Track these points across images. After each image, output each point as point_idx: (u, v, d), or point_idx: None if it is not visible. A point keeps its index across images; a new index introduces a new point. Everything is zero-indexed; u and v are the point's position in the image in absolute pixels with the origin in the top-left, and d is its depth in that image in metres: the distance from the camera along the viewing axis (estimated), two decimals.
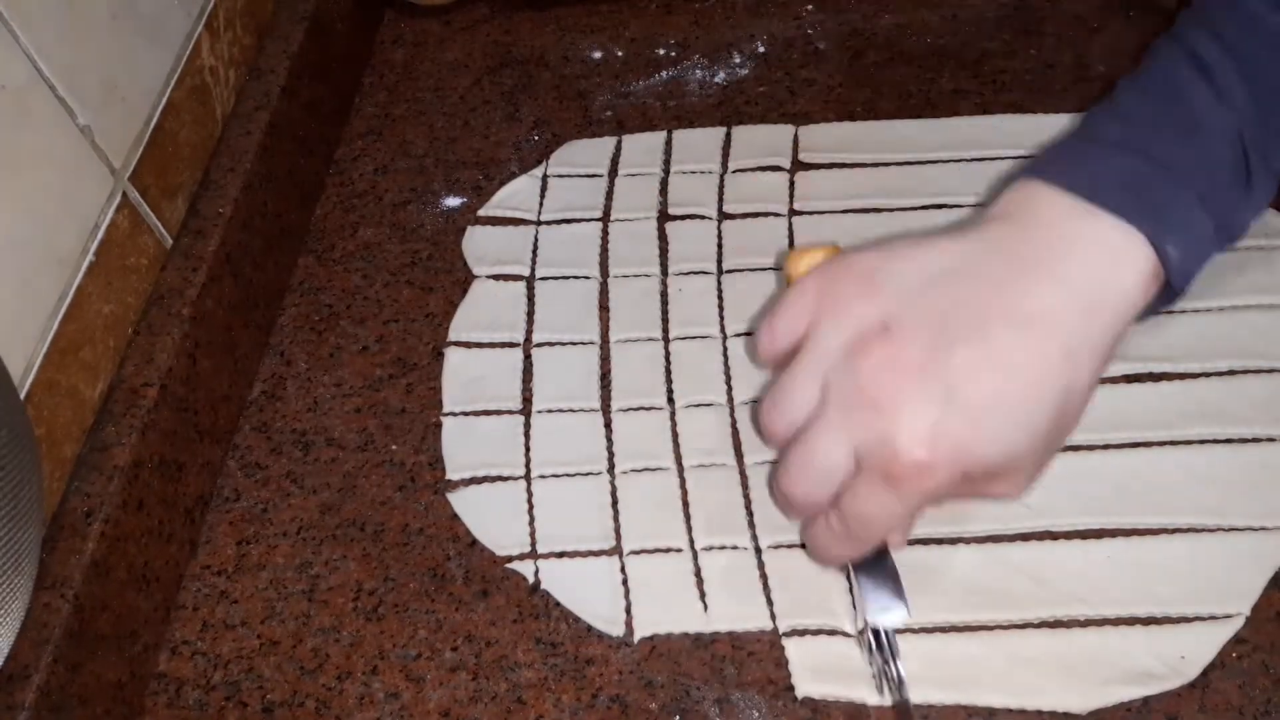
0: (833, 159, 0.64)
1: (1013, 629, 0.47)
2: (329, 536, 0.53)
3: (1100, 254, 0.38)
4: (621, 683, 0.47)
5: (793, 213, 0.63)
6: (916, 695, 0.45)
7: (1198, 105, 0.40)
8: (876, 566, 0.44)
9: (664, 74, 0.71)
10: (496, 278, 0.62)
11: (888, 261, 0.40)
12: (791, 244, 0.61)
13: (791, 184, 0.64)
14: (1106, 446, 0.52)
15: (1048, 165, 0.40)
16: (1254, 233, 0.58)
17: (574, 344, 0.59)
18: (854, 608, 0.48)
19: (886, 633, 0.43)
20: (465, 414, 0.57)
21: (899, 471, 0.37)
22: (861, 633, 0.46)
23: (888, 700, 0.45)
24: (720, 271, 0.61)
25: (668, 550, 0.51)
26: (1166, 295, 0.39)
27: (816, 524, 0.41)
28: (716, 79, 0.70)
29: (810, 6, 0.73)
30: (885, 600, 0.43)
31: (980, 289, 0.38)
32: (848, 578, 0.47)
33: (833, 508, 0.40)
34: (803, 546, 0.49)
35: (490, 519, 0.53)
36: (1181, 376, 0.53)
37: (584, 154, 0.67)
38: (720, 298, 0.59)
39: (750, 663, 0.47)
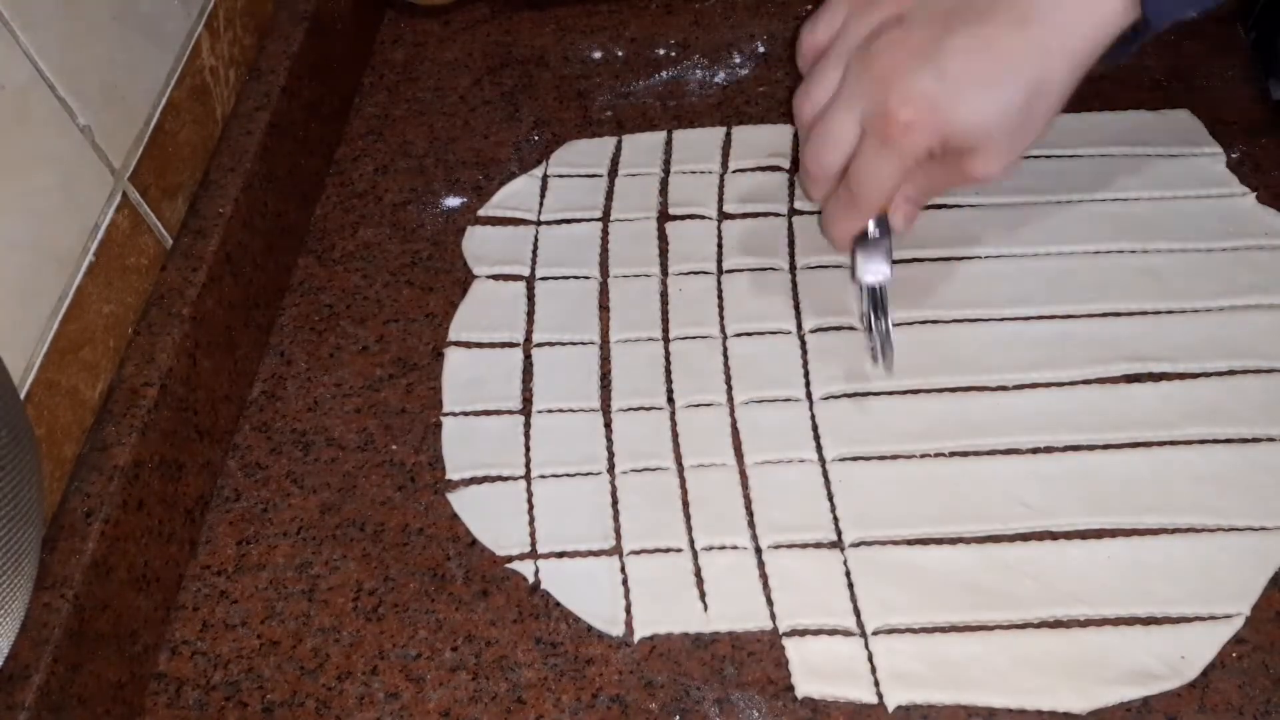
0: None
1: (1013, 629, 0.47)
2: (329, 536, 0.53)
3: None
4: (621, 683, 0.47)
5: (793, 212, 0.63)
6: (917, 695, 0.45)
7: None
8: (876, 243, 0.51)
9: (664, 74, 0.71)
10: (496, 278, 0.62)
11: None
12: (791, 243, 0.61)
13: (791, 184, 0.64)
14: (1106, 446, 0.52)
15: None
16: (1254, 232, 0.58)
17: (574, 344, 0.59)
18: (855, 280, 0.53)
19: (878, 292, 0.51)
20: (465, 414, 0.57)
21: (890, 130, 0.45)
22: (864, 318, 0.53)
23: (882, 369, 0.53)
24: (720, 271, 0.61)
25: (668, 550, 0.51)
26: (1145, 28, 0.44)
27: (830, 200, 0.50)
28: (716, 79, 0.70)
29: (810, 6, 0.73)
30: (876, 264, 0.51)
31: None
32: (853, 256, 0.53)
33: (842, 181, 0.48)
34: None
35: (490, 519, 0.53)
36: (1181, 376, 0.53)
37: (584, 154, 0.67)
38: (720, 298, 0.59)
39: (750, 663, 0.47)
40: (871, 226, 0.51)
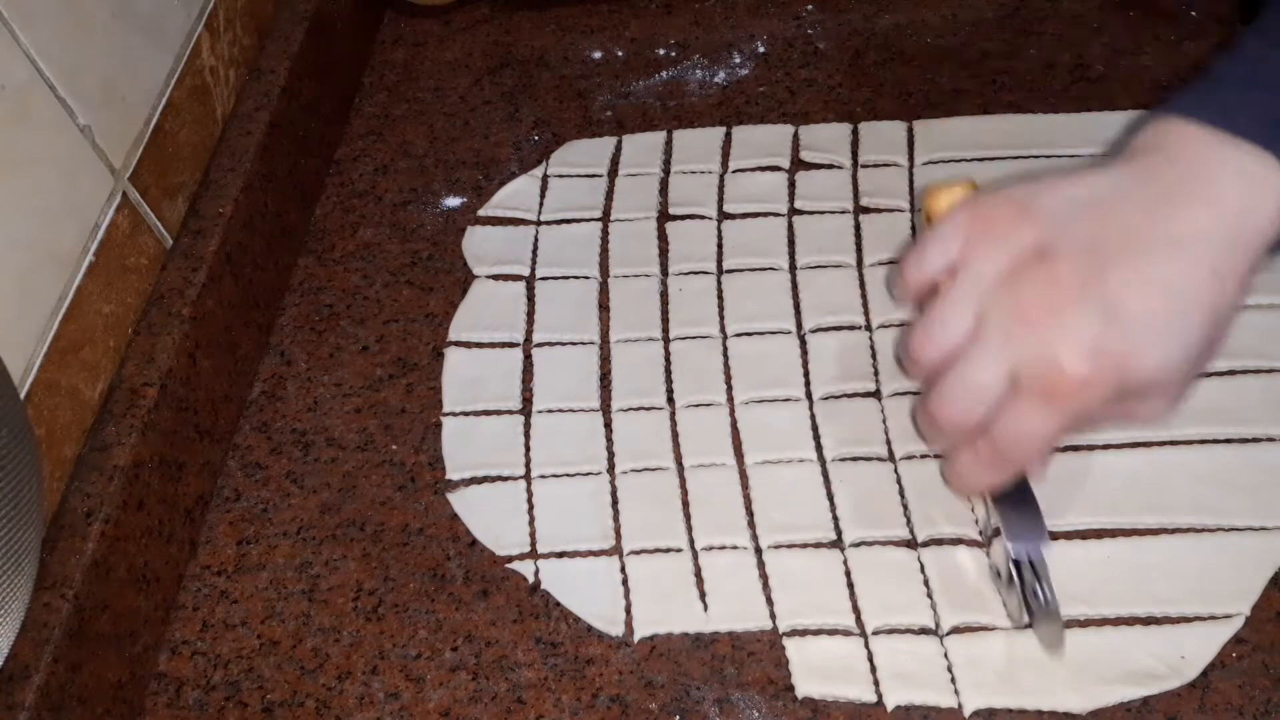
0: (832, 159, 0.64)
1: (1013, 629, 0.47)
2: (329, 536, 0.53)
3: (1240, 180, 0.39)
4: (621, 683, 0.47)
5: (793, 212, 0.63)
6: (917, 696, 0.45)
7: None
8: (1016, 495, 0.45)
9: (664, 74, 0.71)
10: (496, 278, 0.62)
11: (1039, 192, 0.42)
12: (791, 243, 0.61)
13: (791, 184, 0.64)
14: (1107, 446, 0.51)
15: (1183, 104, 0.42)
16: None
17: (574, 344, 0.59)
18: (985, 537, 0.48)
19: (1031, 558, 0.44)
20: (465, 414, 0.57)
21: (1061, 386, 0.39)
22: (995, 567, 0.47)
23: (1025, 622, 0.46)
24: (720, 271, 0.61)
25: (668, 550, 0.51)
26: None
27: (963, 451, 0.43)
28: (716, 79, 0.70)
29: (810, 6, 0.73)
30: (1029, 527, 0.45)
31: (1130, 214, 0.40)
32: (984, 507, 0.48)
33: (981, 433, 0.42)
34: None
35: (490, 519, 0.53)
36: None
37: (584, 154, 0.67)
38: (720, 298, 0.59)
39: (750, 663, 0.47)
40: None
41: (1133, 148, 0.42)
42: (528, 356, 0.59)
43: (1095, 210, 0.40)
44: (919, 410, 0.46)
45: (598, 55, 0.73)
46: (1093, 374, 0.38)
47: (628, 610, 0.49)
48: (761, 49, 0.72)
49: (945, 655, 0.46)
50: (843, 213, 0.62)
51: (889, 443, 0.53)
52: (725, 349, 0.57)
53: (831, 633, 0.48)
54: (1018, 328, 0.40)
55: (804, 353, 0.57)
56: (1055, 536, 0.49)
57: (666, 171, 0.66)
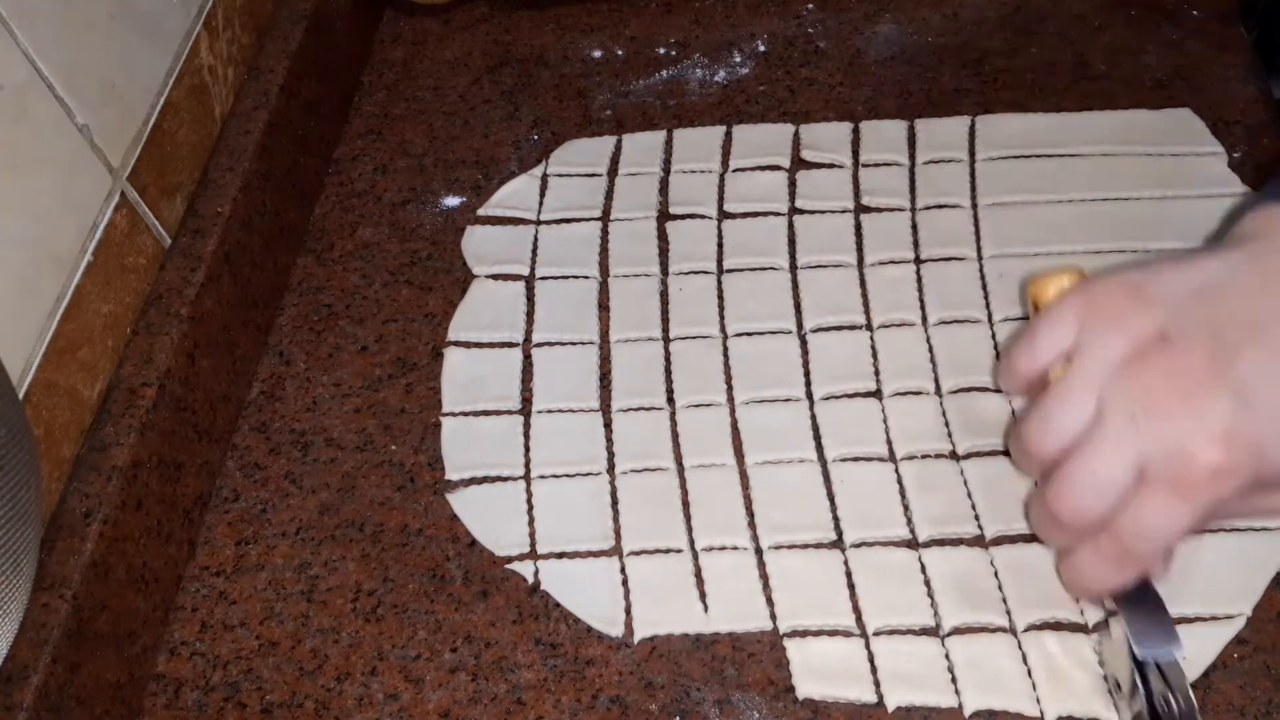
0: (833, 159, 0.64)
1: (1013, 629, 0.47)
2: (328, 537, 0.53)
3: None
4: (621, 683, 0.47)
5: (793, 212, 0.62)
6: (917, 696, 0.45)
7: None
8: (1140, 595, 0.42)
9: (664, 73, 0.71)
10: (496, 277, 0.62)
11: (1152, 277, 0.41)
12: (792, 243, 0.61)
13: (792, 184, 0.64)
14: None
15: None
16: None
17: (574, 344, 0.59)
18: (1091, 632, 0.46)
19: (1161, 664, 0.41)
20: (465, 414, 0.56)
21: (1194, 477, 0.37)
22: (1113, 676, 0.44)
23: None
24: (720, 271, 0.61)
25: (668, 550, 0.51)
26: None
27: (1083, 549, 0.41)
28: (716, 78, 0.70)
29: (810, 6, 0.73)
30: (1158, 630, 0.41)
31: (1251, 297, 0.39)
32: (1107, 612, 0.45)
33: (1103, 529, 0.40)
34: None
35: (490, 519, 0.53)
36: None
37: (584, 153, 0.67)
38: (720, 298, 0.59)
39: (750, 663, 0.47)
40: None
41: (1235, 235, 0.42)
42: (527, 356, 0.58)
43: (1214, 293, 0.39)
44: (1034, 505, 0.44)
45: (597, 54, 0.73)
46: (1228, 462, 0.37)
47: (628, 611, 0.49)
48: (762, 48, 0.71)
49: (946, 656, 0.46)
50: (843, 212, 0.62)
51: (889, 443, 0.53)
52: (725, 349, 0.57)
53: (832, 633, 0.48)
54: (1145, 415, 0.38)
55: (804, 353, 0.56)
56: None
57: (666, 171, 0.66)
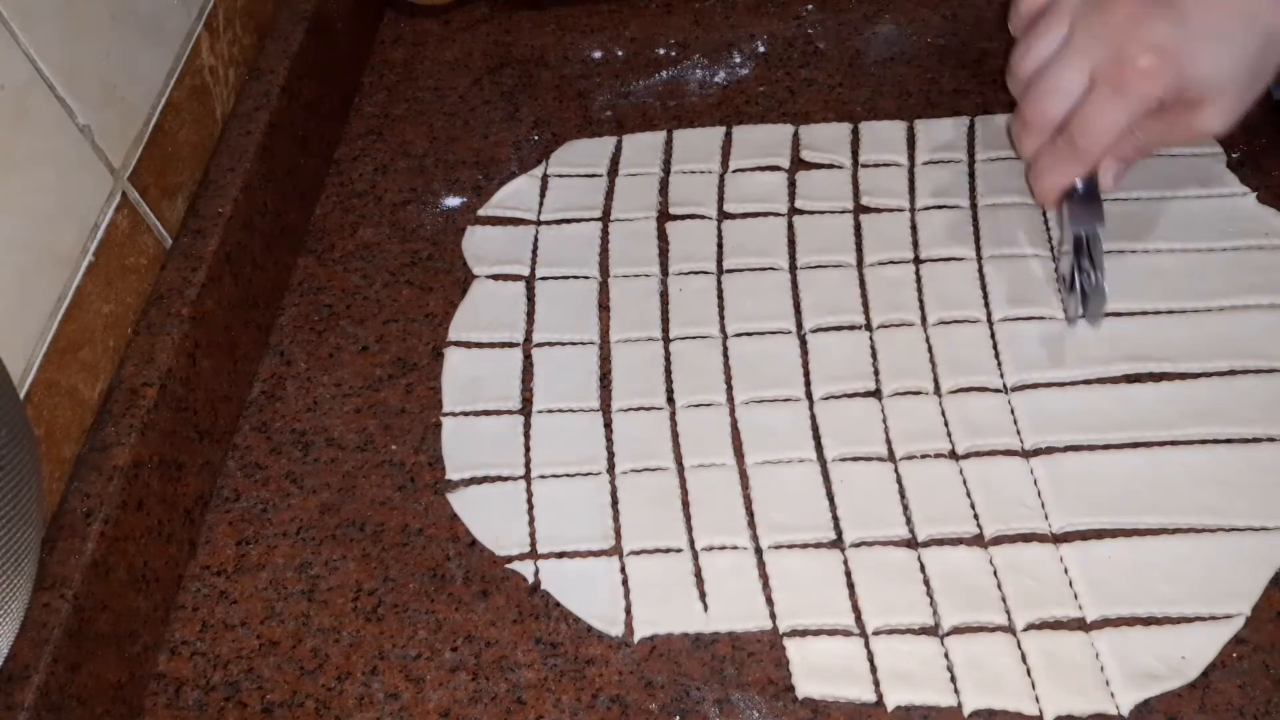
0: (832, 159, 0.64)
1: (1013, 629, 0.47)
2: (328, 537, 0.53)
3: None
4: (621, 683, 0.47)
5: (793, 212, 0.63)
6: (917, 696, 0.45)
7: None
8: (1084, 196, 0.52)
9: (664, 74, 0.71)
10: (496, 278, 0.62)
11: None
12: (792, 243, 0.61)
13: (791, 184, 0.64)
14: (1107, 447, 0.51)
15: None
16: (1254, 232, 0.58)
17: (574, 344, 0.59)
18: (1056, 254, 0.56)
19: (1088, 237, 0.52)
20: (465, 414, 0.56)
21: (1127, 76, 0.47)
22: (1058, 269, 0.56)
23: (1079, 314, 0.54)
24: (720, 271, 0.61)
25: (668, 550, 0.51)
26: None
27: (1044, 150, 0.51)
28: (716, 79, 0.70)
29: (810, 6, 0.73)
30: (1092, 213, 0.52)
31: None
32: (1060, 211, 0.54)
33: (1061, 132, 0.50)
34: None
35: (490, 519, 0.53)
36: (1182, 376, 0.53)
37: (584, 154, 0.67)
38: (720, 298, 0.59)
39: (750, 663, 0.47)
40: (1079, 184, 0.52)
41: None
42: (527, 356, 0.59)
43: None
44: (1014, 119, 0.53)
45: (598, 55, 0.73)
46: (1153, 64, 0.46)
47: (628, 610, 0.49)
48: (761, 48, 0.72)
49: (946, 655, 0.46)
50: (843, 212, 0.62)
51: (889, 443, 0.53)
52: (725, 349, 0.57)
53: (832, 633, 0.48)
54: (1101, 32, 0.47)
55: (804, 353, 0.56)
56: (1055, 537, 0.49)
57: (666, 171, 0.66)
